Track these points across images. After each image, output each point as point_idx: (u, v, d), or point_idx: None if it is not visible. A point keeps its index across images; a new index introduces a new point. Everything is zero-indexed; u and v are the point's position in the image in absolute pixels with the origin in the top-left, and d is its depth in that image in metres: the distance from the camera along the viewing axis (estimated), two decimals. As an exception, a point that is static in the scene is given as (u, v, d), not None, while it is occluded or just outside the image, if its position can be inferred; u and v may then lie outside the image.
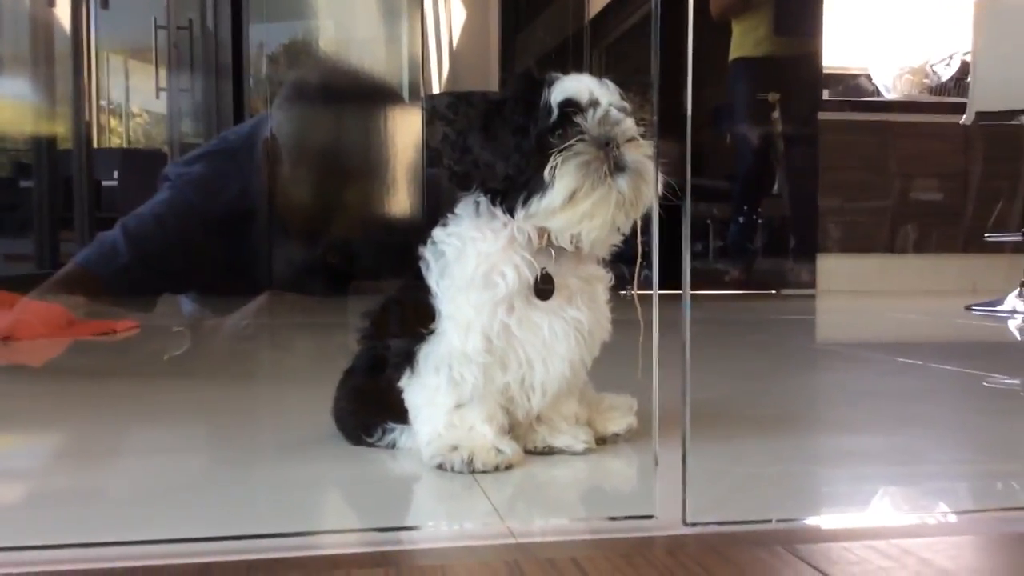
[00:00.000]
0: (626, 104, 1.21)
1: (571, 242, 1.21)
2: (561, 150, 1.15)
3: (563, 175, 1.15)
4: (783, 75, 5.23)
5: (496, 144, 1.19)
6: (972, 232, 5.17)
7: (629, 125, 1.19)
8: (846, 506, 1.14)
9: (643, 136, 1.21)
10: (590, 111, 1.17)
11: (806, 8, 5.31)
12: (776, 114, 5.16)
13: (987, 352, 2.93)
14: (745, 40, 5.13)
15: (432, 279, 1.22)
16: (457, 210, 1.25)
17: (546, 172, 1.16)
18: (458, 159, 1.22)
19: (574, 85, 1.19)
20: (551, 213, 1.17)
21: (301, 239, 4.50)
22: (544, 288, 1.21)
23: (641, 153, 1.18)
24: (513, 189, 1.18)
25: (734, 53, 5.15)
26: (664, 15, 1.08)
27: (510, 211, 1.19)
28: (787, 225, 5.32)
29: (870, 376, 2.26)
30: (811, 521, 1.04)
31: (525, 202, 1.17)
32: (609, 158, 1.16)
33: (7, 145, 4.90)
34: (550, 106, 1.17)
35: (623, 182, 1.16)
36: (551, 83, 1.20)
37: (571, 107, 1.17)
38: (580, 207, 1.16)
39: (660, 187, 1.17)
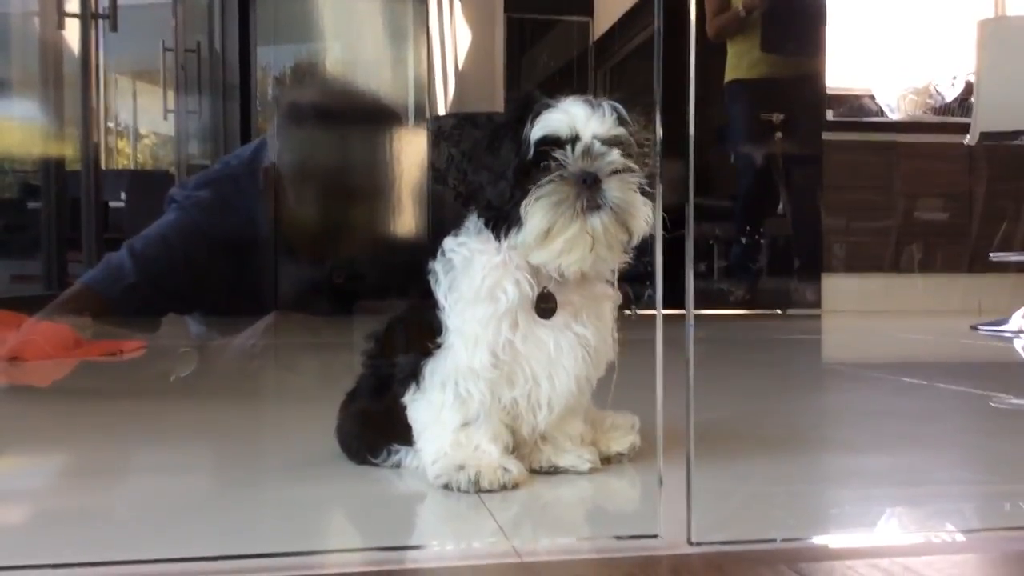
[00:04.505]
0: (619, 132, 1.19)
1: (556, 272, 1.21)
2: (538, 186, 1.15)
3: (534, 213, 1.15)
4: (783, 96, 5.25)
5: (481, 169, 1.20)
6: (977, 251, 5.17)
7: (613, 158, 1.17)
8: (850, 526, 1.15)
9: (645, 158, 1.20)
10: (569, 146, 1.17)
11: (804, 30, 5.33)
12: (779, 134, 5.17)
13: (993, 372, 2.92)
14: (740, 62, 5.17)
15: (441, 292, 1.23)
16: (467, 223, 1.26)
17: (521, 208, 1.16)
18: (459, 180, 1.23)
19: (556, 118, 1.18)
20: (528, 247, 1.18)
21: (307, 260, 4.51)
22: (544, 307, 1.22)
23: (625, 186, 1.17)
24: (498, 218, 1.19)
25: (729, 75, 5.19)
26: (667, 37, 1.09)
27: (497, 237, 1.20)
28: (792, 245, 5.32)
29: (875, 396, 2.25)
30: (815, 540, 1.04)
31: (507, 233, 1.18)
32: (583, 196, 1.15)
33: (16, 166, 4.93)
34: (528, 142, 1.17)
35: (597, 220, 1.16)
36: (536, 115, 1.18)
37: (549, 144, 1.17)
38: (554, 245, 1.17)
39: (654, 215, 1.16)
